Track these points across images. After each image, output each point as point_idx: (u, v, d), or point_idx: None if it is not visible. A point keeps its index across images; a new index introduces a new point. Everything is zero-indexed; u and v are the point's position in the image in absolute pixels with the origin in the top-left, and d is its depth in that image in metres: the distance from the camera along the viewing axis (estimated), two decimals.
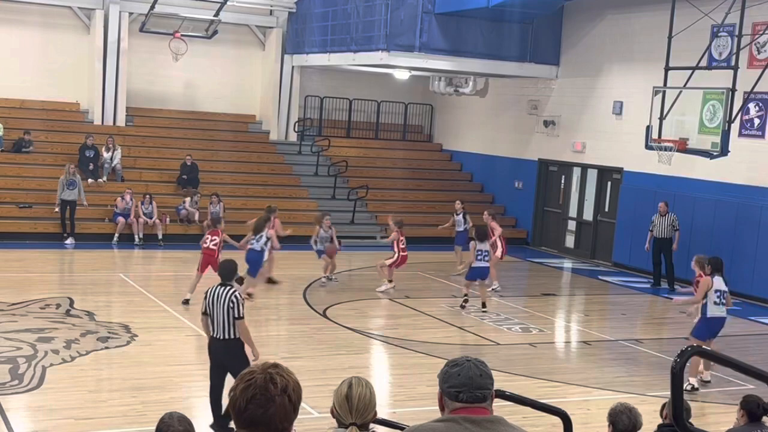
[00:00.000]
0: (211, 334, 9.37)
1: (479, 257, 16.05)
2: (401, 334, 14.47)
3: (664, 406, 7.02)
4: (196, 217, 21.99)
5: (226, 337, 9.26)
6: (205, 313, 9.38)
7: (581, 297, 18.93)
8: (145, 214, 21.34)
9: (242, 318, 9.26)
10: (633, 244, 21.02)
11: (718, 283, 11.93)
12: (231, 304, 9.19)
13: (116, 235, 21.06)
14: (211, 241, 15.67)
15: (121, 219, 21.13)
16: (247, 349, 9.39)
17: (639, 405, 6.65)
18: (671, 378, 3.34)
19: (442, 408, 3.28)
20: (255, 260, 15.98)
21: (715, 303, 11.91)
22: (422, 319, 15.61)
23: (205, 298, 9.39)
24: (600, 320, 16.94)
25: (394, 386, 11.93)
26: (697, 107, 16.97)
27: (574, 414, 11.18)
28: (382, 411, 10.02)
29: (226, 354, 9.28)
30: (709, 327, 12.09)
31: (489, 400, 3.27)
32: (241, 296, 9.38)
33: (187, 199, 22.07)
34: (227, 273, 9.54)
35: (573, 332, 16.08)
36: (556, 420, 5.14)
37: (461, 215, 20.49)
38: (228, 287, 9.37)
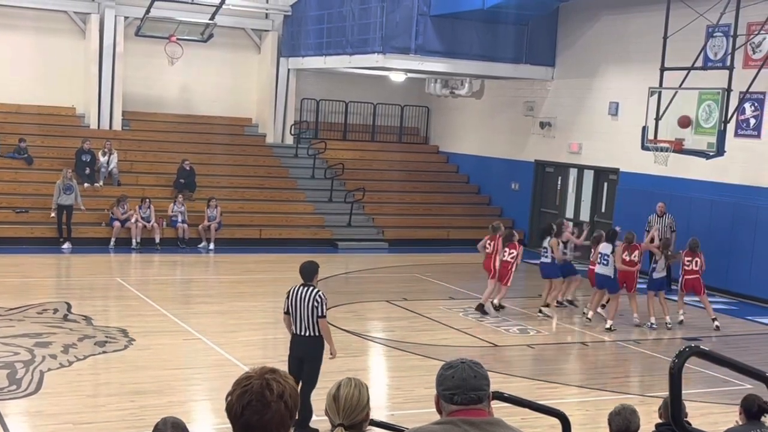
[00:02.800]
0: (294, 331, 9.72)
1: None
2: (399, 336, 14.42)
3: (663, 404, 7.03)
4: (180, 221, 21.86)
5: (310, 334, 9.65)
6: (287, 313, 9.71)
7: (578, 298, 18.84)
8: (142, 218, 21.25)
9: (324, 317, 9.65)
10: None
11: (603, 247, 15.73)
12: (315, 303, 9.54)
13: (113, 239, 20.99)
14: (509, 254, 16.19)
15: (117, 223, 21.07)
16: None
17: (637, 406, 6.66)
18: (669, 379, 3.35)
19: (439, 411, 3.28)
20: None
21: (598, 263, 15.78)
22: (420, 321, 15.54)
23: (288, 297, 9.67)
24: (597, 321, 16.70)
25: (392, 389, 11.88)
26: (693, 107, 16.97)
27: (572, 415, 11.13)
28: (380, 413, 10.02)
29: (306, 349, 9.71)
30: (594, 279, 16.09)
31: (486, 401, 3.26)
32: (324, 296, 9.69)
33: (171, 205, 21.85)
34: (309, 274, 9.74)
35: (570, 333, 16.00)
36: (555, 421, 5.15)
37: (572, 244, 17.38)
38: (311, 287, 9.64)
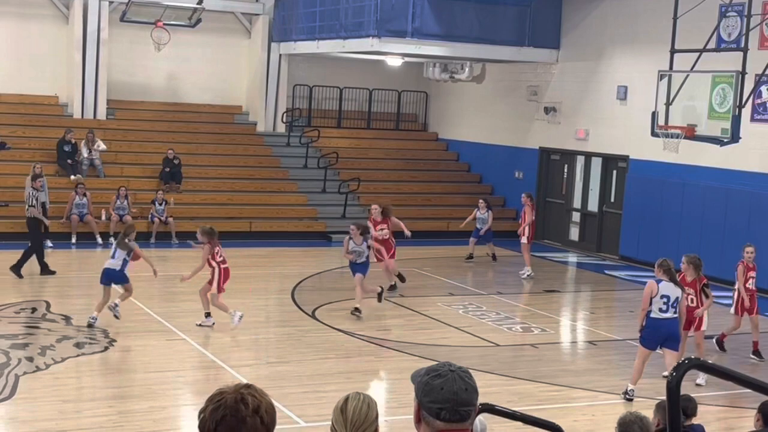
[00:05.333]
0: None
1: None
2: (395, 335, 14.17)
3: (656, 408, 6.97)
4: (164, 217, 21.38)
5: None
6: None
7: (587, 293, 18.69)
8: (117, 208, 20.74)
9: None
10: (641, 237, 20.83)
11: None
12: None
13: (73, 234, 20.34)
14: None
15: (74, 217, 20.53)
16: None
17: (649, 410, 6.67)
18: (667, 394, 3.22)
19: (418, 420, 3.04)
20: None
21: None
22: (418, 319, 15.35)
23: None
24: (607, 318, 16.62)
25: (387, 392, 11.73)
26: (706, 91, 16.60)
27: (579, 420, 10.64)
28: None
29: None
30: None
31: (472, 417, 3.04)
32: None
33: (153, 205, 21.38)
34: None
35: (578, 332, 15.84)
36: None
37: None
38: None
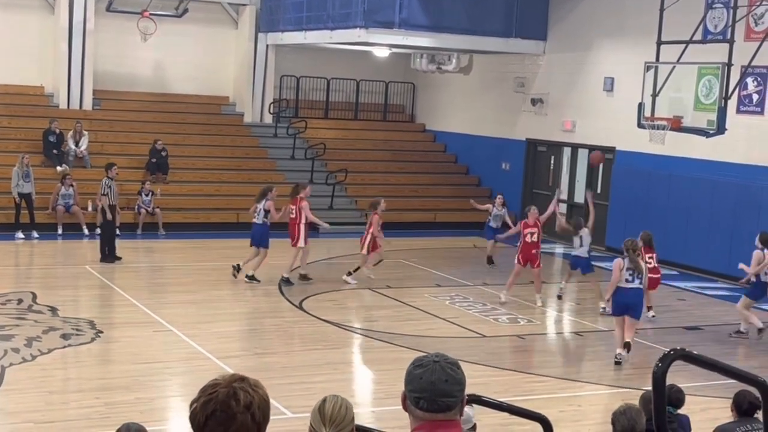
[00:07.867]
0: None
1: None
2: (382, 326, 14.08)
3: (641, 399, 7.03)
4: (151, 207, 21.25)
5: None
6: None
7: (572, 284, 18.47)
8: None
9: None
10: (627, 228, 20.48)
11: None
12: None
13: (59, 225, 20.13)
14: None
15: (60, 208, 20.32)
16: None
17: (634, 400, 6.69)
18: (653, 383, 3.21)
19: (405, 408, 3.09)
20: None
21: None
22: (404, 310, 15.26)
23: None
24: (593, 309, 16.37)
25: (374, 383, 11.76)
26: (692, 83, 16.58)
27: (565, 411, 10.63)
28: (361, 410, 9.76)
29: None
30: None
31: (457, 408, 3.03)
32: None
33: (140, 196, 21.23)
34: None
35: (564, 323, 15.76)
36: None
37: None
38: None
